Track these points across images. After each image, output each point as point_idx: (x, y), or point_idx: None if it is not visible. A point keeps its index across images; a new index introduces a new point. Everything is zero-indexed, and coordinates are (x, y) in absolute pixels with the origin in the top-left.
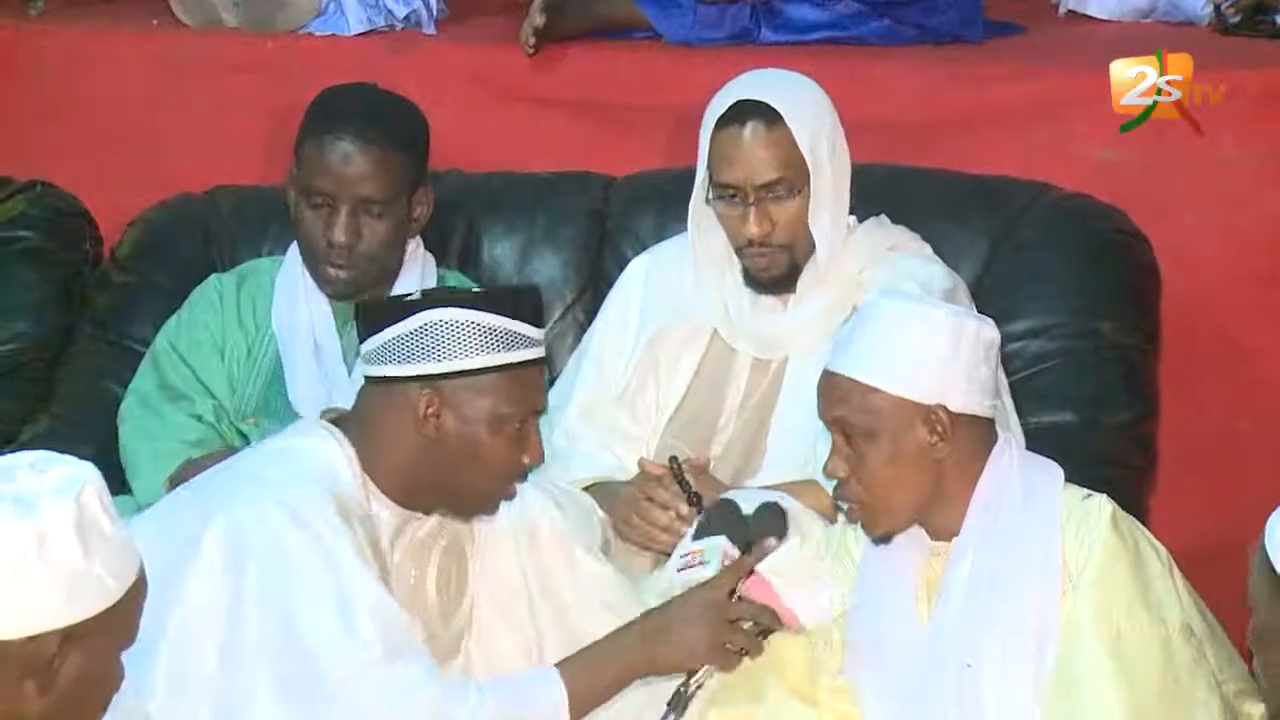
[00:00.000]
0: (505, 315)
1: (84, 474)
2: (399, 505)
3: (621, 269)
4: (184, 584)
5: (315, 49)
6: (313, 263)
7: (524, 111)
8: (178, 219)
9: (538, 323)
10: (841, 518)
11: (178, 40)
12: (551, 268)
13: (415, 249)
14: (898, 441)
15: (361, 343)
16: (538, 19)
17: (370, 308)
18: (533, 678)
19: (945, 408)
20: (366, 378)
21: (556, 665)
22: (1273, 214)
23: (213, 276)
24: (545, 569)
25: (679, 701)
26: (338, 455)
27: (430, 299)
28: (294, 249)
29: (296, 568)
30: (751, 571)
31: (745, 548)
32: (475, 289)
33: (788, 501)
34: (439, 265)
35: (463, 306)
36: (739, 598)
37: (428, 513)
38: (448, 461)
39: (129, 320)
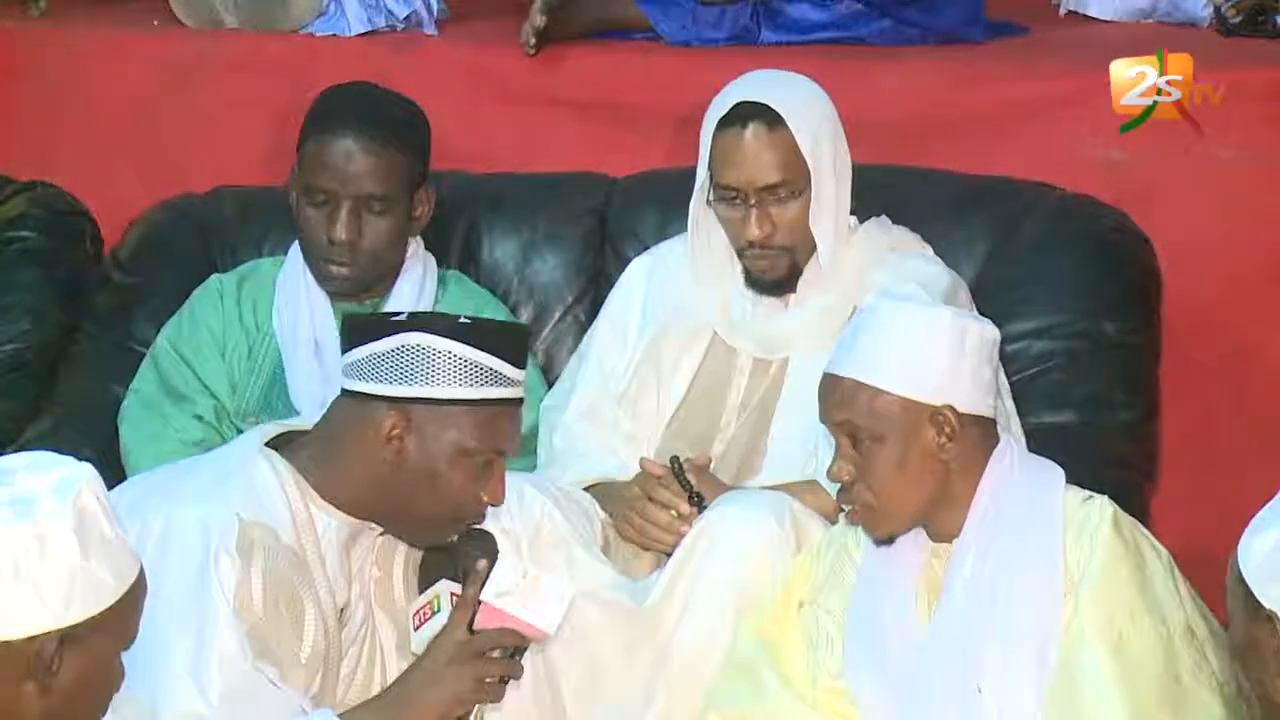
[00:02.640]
0: (486, 351)
1: (82, 475)
2: (351, 516)
3: (622, 269)
4: None
5: (316, 49)
6: (314, 261)
7: (524, 112)
8: (179, 219)
9: (519, 363)
10: (842, 519)
11: (178, 40)
12: (552, 268)
13: (416, 249)
14: (906, 444)
15: (343, 354)
16: (538, 19)
17: (355, 321)
18: None
19: (953, 408)
20: (341, 390)
21: None
22: (1273, 214)
23: (214, 276)
24: (545, 568)
25: None
26: (268, 476)
27: (415, 321)
28: (295, 249)
29: (176, 588)
30: (479, 602)
31: (462, 579)
32: (463, 318)
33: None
34: (440, 266)
35: (445, 335)
36: (475, 632)
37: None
38: (402, 488)
39: (130, 320)
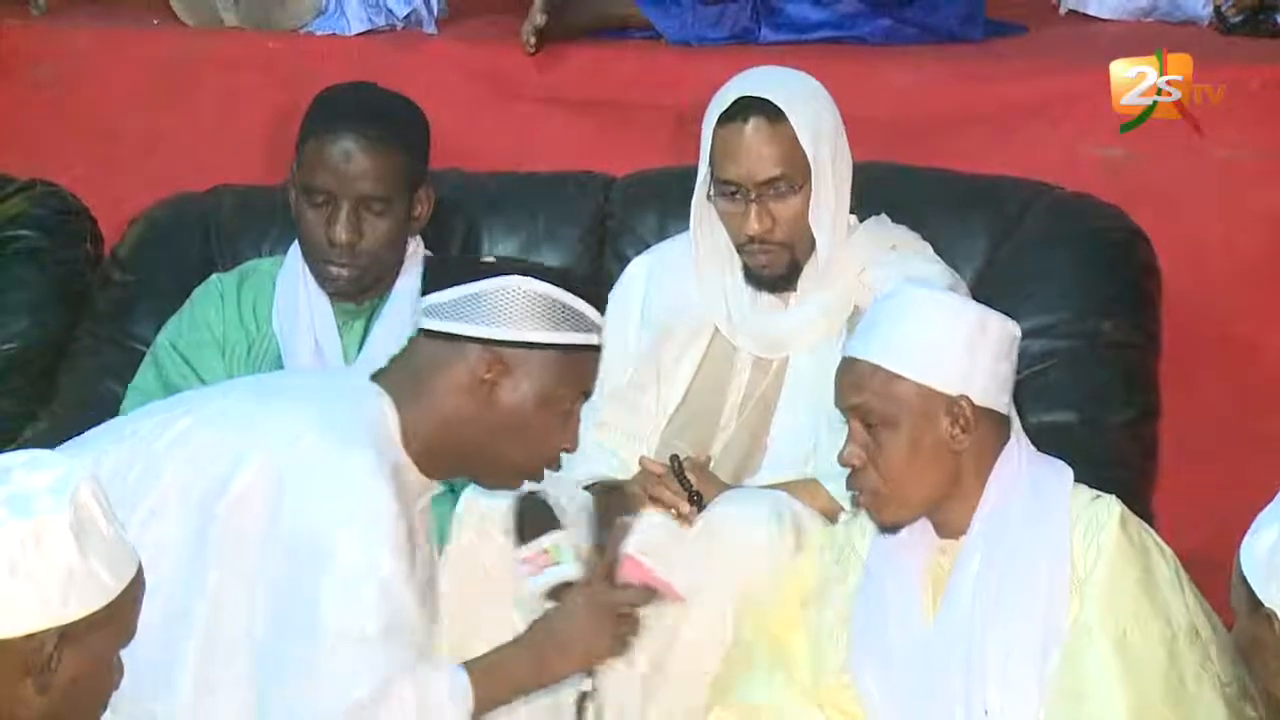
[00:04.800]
0: (579, 296)
1: (80, 472)
2: (421, 473)
3: (622, 268)
4: (216, 515)
5: (316, 48)
6: (314, 261)
7: (525, 111)
8: (179, 218)
9: (602, 310)
10: (844, 515)
11: (178, 39)
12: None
13: (415, 248)
14: (919, 431)
15: (426, 294)
16: (538, 18)
17: (445, 263)
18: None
19: (969, 399)
20: (424, 331)
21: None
22: (1273, 213)
23: (214, 276)
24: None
25: (587, 700)
26: (391, 418)
27: (511, 266)
28: (295, 248)
29: (332, 517)
30: (624, 556)
31: (598, 531)
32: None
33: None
34: None
35: (543, 280)
36: (619, 586)
37: (442, 480)
38: (489, 429)
39: (130, 319)
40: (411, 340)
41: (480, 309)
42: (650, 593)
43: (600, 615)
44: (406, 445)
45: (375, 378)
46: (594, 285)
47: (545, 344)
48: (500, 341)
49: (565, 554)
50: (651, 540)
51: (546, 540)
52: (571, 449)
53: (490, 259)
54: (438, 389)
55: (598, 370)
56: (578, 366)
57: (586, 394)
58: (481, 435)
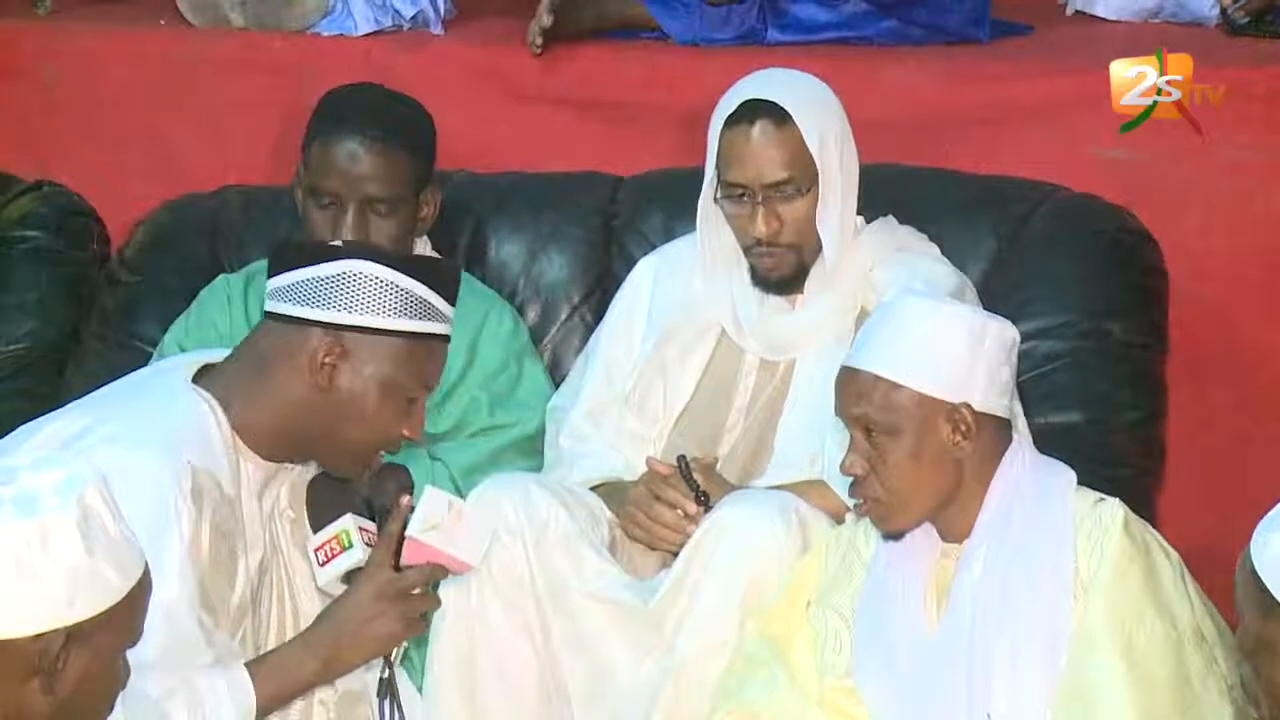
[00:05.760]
0: (426, 284)
1: (85, 473)
2: (265, 460)
3: (629, 269)
4: None
5: (322, 49)
6: None
7: (531, 111)
8: (185, 218)
9: (452, 300)
10: (850, 517)
11: (185, 40)
12: (559, 268)
13: (423, 249)
14: (921, 439)
15: (271, 277)
16: (545, 19)
17: (289, 245)
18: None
19: (970, 406)
20: (267, 313)
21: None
22: (1275, 213)
23: (221, 277)
24: (552, 568)
25: (389, 688)
26: (208, 419)
27: (356, 250)
28: None
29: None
30: (405, 537)
31: (379, 515)
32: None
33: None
34: None
35: (387, 265)
36: (404, 568)
37: (293, 463)
38: (328, 416)
39: (137, 320)
40: (258, 324)
41: (323, 292)
42: (438, 569)
43: (386, 602)
44: (244, 437)
45: (209, 370)
46: (444, 274)
47: (387, 330)
48: (342, 326)
49: (353, 541)
50: (430, 517)
51: (335, 526)
52: (415, 437)
53: (337, 243)
54: (278, 373)
55: (444, 361)
56: (421, 355)
57: (429, 386)
58: (319, 420)
